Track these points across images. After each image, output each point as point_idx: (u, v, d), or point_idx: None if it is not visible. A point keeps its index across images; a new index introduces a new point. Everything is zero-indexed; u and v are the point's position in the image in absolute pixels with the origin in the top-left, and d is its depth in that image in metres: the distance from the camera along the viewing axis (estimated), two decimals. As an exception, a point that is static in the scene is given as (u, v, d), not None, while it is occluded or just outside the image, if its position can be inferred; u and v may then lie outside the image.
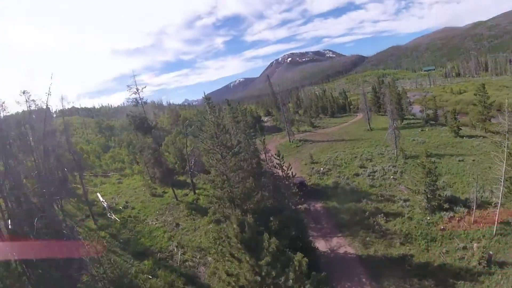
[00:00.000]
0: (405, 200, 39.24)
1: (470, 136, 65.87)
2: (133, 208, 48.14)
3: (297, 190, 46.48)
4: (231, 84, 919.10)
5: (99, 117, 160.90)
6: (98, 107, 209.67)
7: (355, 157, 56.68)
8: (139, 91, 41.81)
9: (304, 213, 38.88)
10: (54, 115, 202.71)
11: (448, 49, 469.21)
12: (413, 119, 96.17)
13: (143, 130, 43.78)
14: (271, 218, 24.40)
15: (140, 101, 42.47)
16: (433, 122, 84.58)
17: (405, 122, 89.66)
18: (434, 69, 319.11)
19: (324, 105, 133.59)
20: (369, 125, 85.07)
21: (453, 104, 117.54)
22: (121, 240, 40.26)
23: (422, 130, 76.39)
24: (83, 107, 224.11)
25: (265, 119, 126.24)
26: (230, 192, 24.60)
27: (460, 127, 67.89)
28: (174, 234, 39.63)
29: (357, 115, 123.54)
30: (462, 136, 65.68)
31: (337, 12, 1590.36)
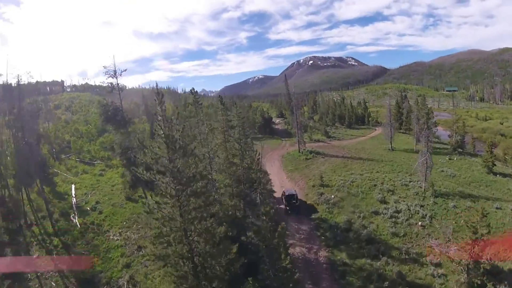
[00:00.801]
0: (436, 265, 28.88)
1: (504, 175, 56.27)
2: (100, 213, 40.48)
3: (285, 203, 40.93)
4: (250, 80, 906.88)
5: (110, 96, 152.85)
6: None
7: (374, 185, 46.53)
8: (117, 74, 32.49)
9: (300, 264, 29.17)
10: (68, 89, 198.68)
11: (473, 71, 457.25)
12: (437, 142, 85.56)
13: (115, 124, 34.29)
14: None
15: (117, 87, 33.04)
16: (461, 150, 73.88)
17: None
18: (457, 90, 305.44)
19: (342, 113, 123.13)
20: (391, 144, 74.76)
21: (479, 131, 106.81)
22: (71, 254, 32.46)
23: (450, 159, 66.40)
24: (98, 84, 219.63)
25: (277, 121, 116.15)
26: (189, 251, 15.04)
27: (494, 163, 57.81)
28: (132, 261, 30.60)
29: (375, 129, 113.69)
30: (495, 173, 56.18)
31: (364, 20, 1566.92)
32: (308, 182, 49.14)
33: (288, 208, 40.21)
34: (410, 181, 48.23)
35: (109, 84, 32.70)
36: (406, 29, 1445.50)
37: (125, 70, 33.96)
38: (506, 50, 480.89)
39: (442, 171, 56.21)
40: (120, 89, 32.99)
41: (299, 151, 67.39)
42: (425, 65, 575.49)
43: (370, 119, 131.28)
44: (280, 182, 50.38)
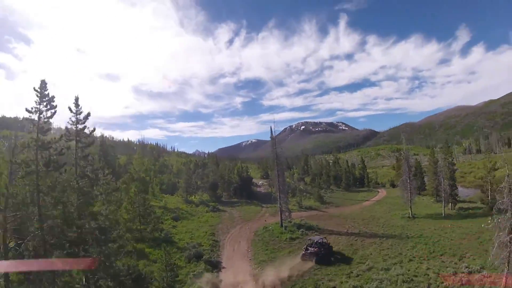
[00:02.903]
0: None
1: None
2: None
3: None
4: (243, 143, 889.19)
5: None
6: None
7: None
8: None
9: None
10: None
11: (462, 126, 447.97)
12: (462, 201, 64.14)
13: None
14: None
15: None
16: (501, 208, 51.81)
17: (458, 206, 58.40)
18: (449, 146, 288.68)
19: (338, 174, 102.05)
20: (411, 209, 52.82)
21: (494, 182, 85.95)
22: None
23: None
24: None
25: (260, 182, 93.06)
26: None
27: None
28: None
29: (378, 191, 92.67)
30: None
31: (352, 87, 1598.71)
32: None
33: None
34: (469, 271, 26.25)
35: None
36: (393, 93, 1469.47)
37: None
38: (491, 102, 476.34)
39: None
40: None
41: (281, 225, 44.85)
42: (414, 125, 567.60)
43: (370, 181, 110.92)
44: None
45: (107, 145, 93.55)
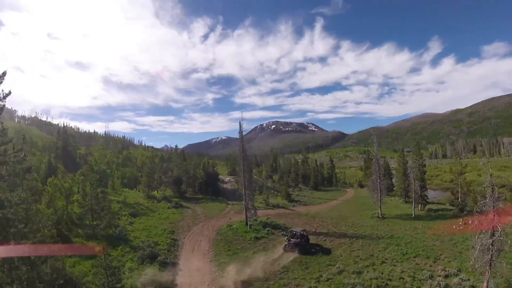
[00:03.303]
0: None
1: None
2: None
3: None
4: (213, 140, 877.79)
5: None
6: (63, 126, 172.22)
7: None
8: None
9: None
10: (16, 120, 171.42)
11: (428, 133, 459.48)
12: (432, 203, 63.56)
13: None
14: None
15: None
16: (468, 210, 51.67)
17: (428, 207, 57.57)
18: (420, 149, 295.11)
19: (306, 173, 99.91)
20: (380, 210, 51.02)
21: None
22: None
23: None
24: (48, 121, 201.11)
25: (227, 179, 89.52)
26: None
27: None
28: None
29: (346, 191, 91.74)
30: None
31: (324, 89, 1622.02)
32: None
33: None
34: (446, 274, 24.68)
35: None
36: (363, 97, 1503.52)
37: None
38: (458, 111, 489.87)
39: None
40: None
41: (246, 223, 41.72)
42: (382, 129, 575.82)
43: (338, 180, 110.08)
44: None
45: (68, 134, 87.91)
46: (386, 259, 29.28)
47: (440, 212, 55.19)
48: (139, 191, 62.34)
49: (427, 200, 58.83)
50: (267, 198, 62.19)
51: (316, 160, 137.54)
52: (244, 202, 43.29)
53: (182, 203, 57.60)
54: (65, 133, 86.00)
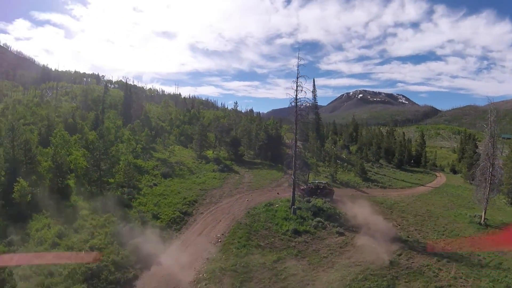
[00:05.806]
0: None
1: None
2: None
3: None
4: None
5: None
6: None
7: None
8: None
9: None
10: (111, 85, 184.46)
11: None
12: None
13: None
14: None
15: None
16: None
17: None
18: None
19: (390, 147, 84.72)
20: (484, 213, 37.22)
21: None
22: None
23: None
24: (134, 84, 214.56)
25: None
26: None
27: None
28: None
29: (437, 176, 75.46)
30: None
31: (416, 59, 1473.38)
32: None
33: None
34: None
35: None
36: (459, 71, 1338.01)
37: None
38: None
39: None
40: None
41: (291, 205, 31.18)
42: (479, 109, 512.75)
43: (427, 161, 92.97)
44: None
45: (131, 92, 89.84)
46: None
47: None
48: (190, 150, 56.03)
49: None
50: (335, 173, 50.78)
51: (404, 133, 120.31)
52: (293, 174, 32.70)
53: (233, 167, 49.19)
54: (127, 90, 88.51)
